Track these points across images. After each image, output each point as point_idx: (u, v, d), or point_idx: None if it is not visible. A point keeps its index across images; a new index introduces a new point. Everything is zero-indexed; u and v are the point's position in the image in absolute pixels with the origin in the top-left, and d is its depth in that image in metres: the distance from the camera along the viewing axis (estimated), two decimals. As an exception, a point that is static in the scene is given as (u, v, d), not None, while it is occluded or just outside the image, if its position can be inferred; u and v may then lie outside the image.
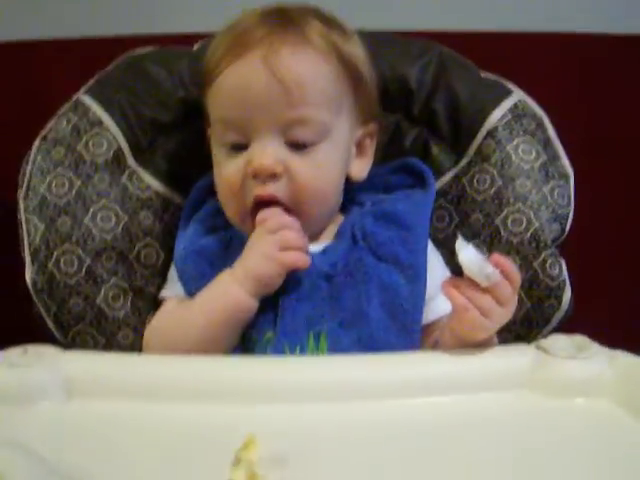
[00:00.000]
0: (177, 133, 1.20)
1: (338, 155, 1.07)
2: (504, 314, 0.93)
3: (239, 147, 1.04)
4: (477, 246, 0.94)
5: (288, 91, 1.00)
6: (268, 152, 1.02)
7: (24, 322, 1.10)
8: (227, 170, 1.06)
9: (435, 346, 1.02)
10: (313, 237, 1.08)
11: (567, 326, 1.11)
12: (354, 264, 1.05)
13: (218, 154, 1.08)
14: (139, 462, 0.78)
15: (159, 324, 1.09)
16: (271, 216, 1.02)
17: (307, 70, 1.02)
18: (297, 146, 1.03)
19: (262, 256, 1.01)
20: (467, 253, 0.90)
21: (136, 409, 0.85)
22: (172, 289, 1.11)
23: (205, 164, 1.14)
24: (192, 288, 1.07)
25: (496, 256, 0.92)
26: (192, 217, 1.14)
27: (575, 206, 1.16)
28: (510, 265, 0.92)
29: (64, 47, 1.64)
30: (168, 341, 1.05)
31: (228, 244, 1.09)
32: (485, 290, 0.91)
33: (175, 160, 1.19)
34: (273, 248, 1.01)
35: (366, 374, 0.90)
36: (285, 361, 0.96)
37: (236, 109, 1.03)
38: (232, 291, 1.02)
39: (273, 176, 1.02)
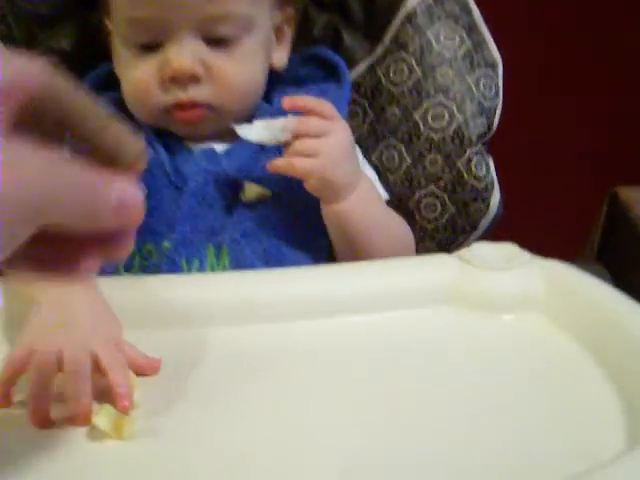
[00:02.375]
0: (60, 27, 1.06)
1: (261, 47, 0.97)
2: (330, 141, 0.90)
3: (151, 47, 0.93)
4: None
5: None
6: (186, 52, 0.91)
7: None
8: (138, 73, 0.94)
9: None
10: (222, 137, 0.98)
11: (495, 234, 1.02)
12: (262, 170, 0.95)
13: (125, 55, 0.96)
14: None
15: None
16: None
17: None
18: (217, 43, 0.93)
19: None
20: (251, 130, 0.89)
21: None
22: None
23: (95, 60, 1.03)
24: None
25: (285, 100, 0.91)
26: None
27: (504, 98, 1.05)
28: (302, 99, 0.92)
29: None
30: None
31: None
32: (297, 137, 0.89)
33: (58, 58, 1.02)
34: None
35: (272, 292, 0.80)
36: (181, 279, 0.85)
37: (147, 6, 0.91)
38: None
39: (193, 78, 0.92)
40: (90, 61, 1.03)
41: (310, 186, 0.91)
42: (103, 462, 0.60)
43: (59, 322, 0.70)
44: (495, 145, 1.05)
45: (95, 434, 0.62)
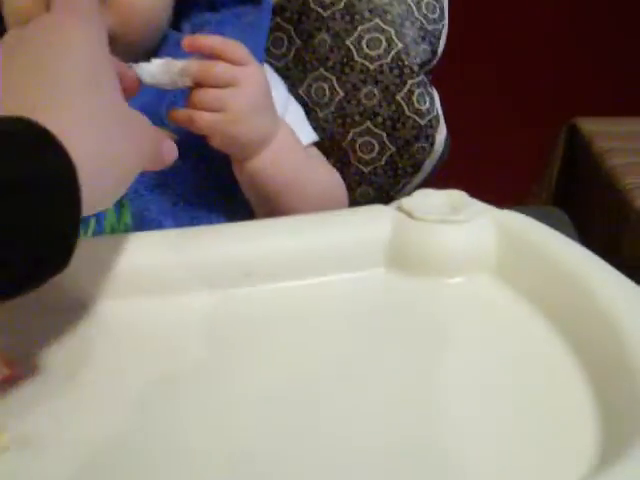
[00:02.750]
0: None
1: None
2: (238, 94, 0.78)
3: None
4: None
5: None
6: None
7: None
8: (19, 4, 0.82)
9: None
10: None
11: (440, 177, 0.92)
12: (167, 109, 0.83)
13: None
14: None
15: None
16: None
17: None
18: None
19: None
20: (148, 68, 0.76)
21: None
22: None
23: None
24: None
25: (186, 39, 0.78)
26: None
27: (450, 20, 0.95)
28: (207, 39, 0.78)
29: None
30: None
31: None
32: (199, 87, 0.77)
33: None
34: None
35: (189, 254, 0.68)
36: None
37: None
38: None
39: None
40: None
41: (214, 143, 0.80)
42: None
43: None
44: (439, 76, 0.95)
45: None
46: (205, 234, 0.71)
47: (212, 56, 0.77)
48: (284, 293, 0.66)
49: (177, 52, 0.84)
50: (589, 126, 1.33)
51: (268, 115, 0.82)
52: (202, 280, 0.67)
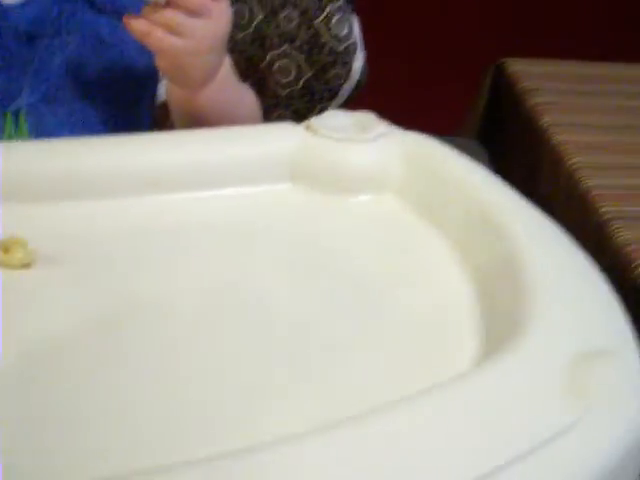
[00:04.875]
0: None
1: None
2: (206, 26, 0.76)
3: None
4: None
5: None
6: None
7: None
8: None
9: None
10: None
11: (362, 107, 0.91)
12: (64, 20, 0.83)
13: None
14: None
15: None
16: None
17: None
18: None
19: None
20: None
21: None
22: None
23: None
24: None
25: None
26: None
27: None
28: None
29: None
30: None
31: None
32: (168, 5, 0.75)
33: None
34: None
35: (86, 163, 0.67)
36: None
37: None
38: None
39: None
40: None
41: (159, 65, 0.79)
42: None
43: None
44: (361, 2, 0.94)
45: None
46: (119, 142, 0.70)
47: None
48: (191, 203, 0.66)
49: None
50: (514, 67, 1.34)
51: (220, 53, 0.81)
52: (124, 186, 0.66)
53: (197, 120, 0.81)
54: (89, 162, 0.67)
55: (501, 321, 0.53)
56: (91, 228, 0.63)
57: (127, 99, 0.84)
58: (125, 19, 0.76)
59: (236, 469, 0.40)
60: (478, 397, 0.46)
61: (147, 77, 0.84)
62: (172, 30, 0.75)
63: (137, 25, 0.75)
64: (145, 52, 0.80)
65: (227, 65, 0.84)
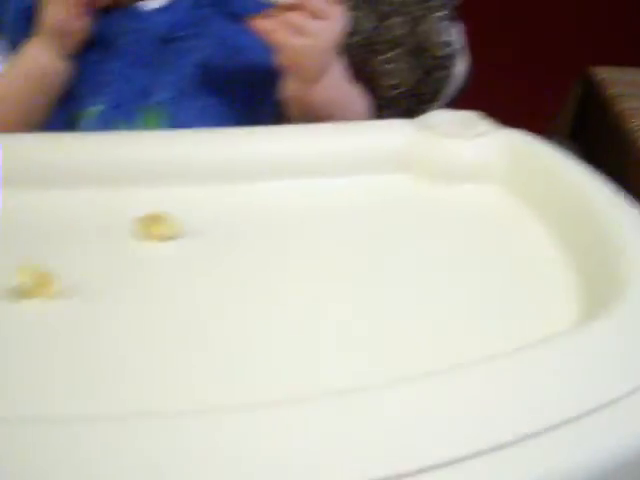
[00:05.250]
0: None
1: None
2: (327, 28, 0.83)
3: None
4: None
5: None
6: None
7: None
8: None
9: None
10: None
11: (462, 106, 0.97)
12: (199, 24, 0.91)
13: None
14: None
15: None
16: None
17: None
18: None
19: (49, 4, 0.87)
20: None
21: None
22: None
23: None
24: None
25: None
26: None
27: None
28: None
29: None
30: None
31: None
32: (293, 8, 0.82)
33: None
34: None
35: (221, 151, 0.74)
36: (106, 137, 0.79)
37: None
38: (32, 54, 0.89)
39: None
40: None
41: (283, 62, 0.86)
42: (27, 321, 0.57)
43: None
44: (465, 11, 1.00)
45: (19, 292, 0.58)
46: (250, 133, 0.78)
47: None
48: (314, 189, 0.73)
49: None
50: (603, 74, 1.40)
51: (334, 53, 0.87)
52: (254, 172, 0.73)
53: (312, 114, 0.87)
54: (226, 150, 0.74)
55: (599, 291, 0.58)
56: (231, 208, 0.70)
57: (254, 96, 0.91)
58: (251, 20, 0.83)
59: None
60: (576, 357, 0.50)
61: (271, 77, 0.90)
62: (295, 30, 0.82)
63: (264, 24, 0.82)
64: (270, 54, 0.87)
65: (340, 65, 0.90)
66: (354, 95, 0.94)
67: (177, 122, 0.88)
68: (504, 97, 1.38)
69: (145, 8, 0.91)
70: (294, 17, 0.82)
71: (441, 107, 1.00)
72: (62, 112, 0.90)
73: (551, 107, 1.49)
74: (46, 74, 0.89)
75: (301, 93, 0.87)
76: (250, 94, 0.92)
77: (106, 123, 0.88)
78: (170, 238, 0.64)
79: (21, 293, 0.57)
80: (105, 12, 0.90)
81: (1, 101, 0.90)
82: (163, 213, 0.65)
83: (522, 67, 1.68)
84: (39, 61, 0.88)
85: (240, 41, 0.90)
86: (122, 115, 0.88)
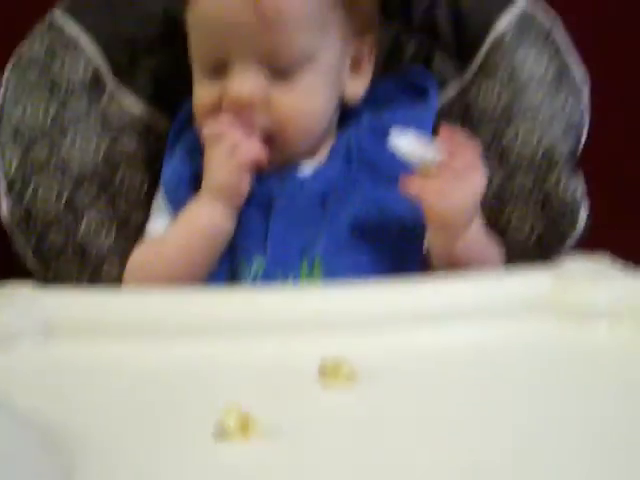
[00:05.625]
0: (159, 51, 1.12)
1: (325, 79, 1.00)
2: (468, 188, 0.92)
3: (218, 71, 0.98)
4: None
5: (264, 16, 0.94)
6: (246, 82, 0.96)
7: (4, 258, 1.06)
8: (202, 96, 1.00)
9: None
10: (306, 157, 1.03)
11: (585, 245, 1.05)
12: (349, 186, 1.00)
13: (196, 76, 1.01)
14: (123, 408, 0.71)
15: (137, 259, 1.03)
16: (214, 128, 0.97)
17: None
18: (278, 74, 0.97)
19: (217, 167, 0.97)
20: (404, 140, 0.90)
21: (120, 350, 0.78)
22: (157, 221, 1.05)
23: (190, 84, 1.05)
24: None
25: (443, 129, 0.93)
26: (180, 134, 1.07)
27: (590, 118, 1.09)
28: (460, 135, 0.93)
29: None
30: (146, 276, 1.00)
31: None
32: (438, 172, 0.90)
33: (157, 80, 1.12)
34: (224, 154, 0.96)
35: (372, 303, 0.83)
36: (281, 291, 0.89)
37: (213, 36, 0.97)
38: (200, 212, 0.98)
39: (250, 107, 0.96)
40: (183, 82, 1.07)
41: (430, 222, 0.94)
42: (229, 462, 0.62)
43: None
44: (584, 162, 1.08)
45: (221, 433, 0.64)
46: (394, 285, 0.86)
47: (457, 149, 0.91)
48: (453, 335, 0.80)
49: (355, 137, 1.03)
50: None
51: (476, 211, 0.96)
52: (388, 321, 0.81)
53: (453, 266, 0.94)
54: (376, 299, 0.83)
55: None
56: (398, 355, 0.77)
57: (401, 251, 0.99)
58: (402, 180, 0.91)
59: None
60: None
61: (417, 233, 0.99)
62: (441, 192, 0.90)
63: (412, 186, 0.91)
64: (415, 212, 0.96)
65: (479, 220, 0.98)
66: (490, 246, 1.01)
67: (332, 276, 0.96)
68: (621, 234, 1.44)
69: (300, 173, 1.01)
70: (441, 182, 0.90)
71: (564, 254, 1.05)
72: (225, 265, 0.99)
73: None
74: (213, 232, 0.97)
75: (444, 248, 0.95)
76: (398, 249, 0.99)
77: (267, 277, 0.96)
78: (349, 383, 0.71)
79: (223, 435, 0.63)
80: (263, 174, 1.00)
81: (170, 259, 0.98)
82: (342, 359, 0.72)
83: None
84: (206, 219, 0.97)
85: (388, 201, 0.99)
86: (282, 270, 0.97)
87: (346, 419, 0.68)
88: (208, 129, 0.98)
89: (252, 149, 0.96)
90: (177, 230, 1.00)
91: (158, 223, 1.05)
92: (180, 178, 1.03)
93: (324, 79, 1.00)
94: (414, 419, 0.68)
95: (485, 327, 0.81)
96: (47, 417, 0.67)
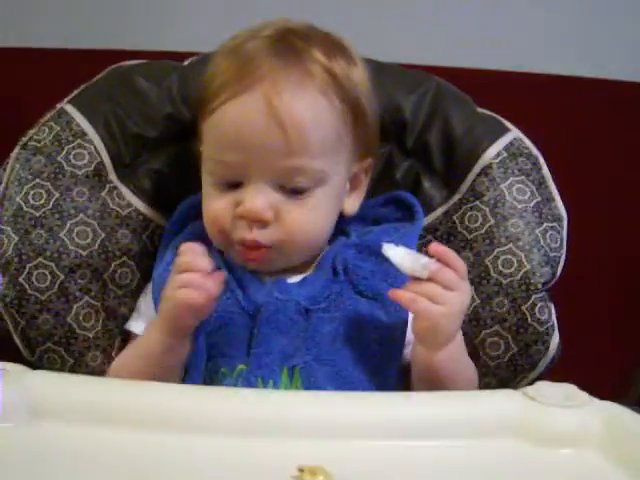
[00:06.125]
0: (162, 150, 1.17)
1: (333, 198, 1.05)
2: (456, 297, 0.96)
3: (232, 185, 1.02)
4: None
5: (288, 139, 0.97)
6: (260, 197, 0.99)
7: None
8: (216, 206, 1.03)
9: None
10: (293, 268, 1.07)
11: (554, 371, 1.08)
12: (333, 298, 1.04)
13: (208, 187, 1.04)
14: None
15: (116, 364, 1.07)
16: (183, 251, 0.98)
17: (308, 115, 0.99)
18: (291, 192, 1.00)
19: (166, 297, 0.98)
20: (397, 251, 0.95)
21: (103, 435, 0.81)
22: (138, 323, 1.09)
23: (189, 184, 1.12)
24: None
25: (434, 245, 0.97)
26: (178, 227, 1.11)
27: (568, 249, 1.14)
28: (449, 251, 0.97)
29: (52, 56, 1.65)
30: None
31: None
32: (428, 280, 0.94)
33: (158, 178, 1.16)
34: (173, 287, 0.97)
35: (346, 413, 0.87)
36: (258, 393, 0.93)
37: (232, 151, 1.00)
38: (151, 334, 1.01)
39: (261, 222, 1.00)
40: (186, 183, 1.14)
41: (418, 327, 0.97)
42: None
43: None
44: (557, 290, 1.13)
45: None
46: (372, 397, 0.91)
47: (445, 263, 0.95)
48: (429, 450, 0.84)
49: (342, 252, 1.06)
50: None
51: (460, 320, 0.99)
52: (360, 432, 0.84)
53: (432, 377, 0.98)
54: (355, 410, 0.87)
55: None
56: (373, 463, 0.81)
57: (380, 364, 1.02)
58: (390, 292, 0.96)
59: None
60: None
61: (395, 347, 1.03)
62: (434, 299, 0.94)
63: (405, 295, 0.95)
64: (394, 327, 1.01)
65: (460, 337, 1.02)
66: (468, 363, 1.05)
67: (310, 384, 0.98)
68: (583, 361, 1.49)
69: (289, 280, 1.04)
70: (431, 288, 0.94)
71: (534, 377, 1.09)
72: (208, 366, 1.01)
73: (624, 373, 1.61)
74: (163, 352, 0.99)
75: (427, 357, 0.97)
76: (377, 363, 1.02)
77: (247, 381, 0.98)
78: None
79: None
80: (247, 280, 1.04)
81: (135, 370, 1.00)
82: (319, 466, 0.76)
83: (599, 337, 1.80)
84: (158, 346, 0.99)
85: (368, 314, 1.02)
86: (264, 374, 0.99)
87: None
88: (181, 250, 0.99)
89: (193, 296, 0.96)
90: (137, 347, 1.05)
91: (135, 326, 1.10)
92: (159, 281, 1.05)
93: (331, 197, 1.04)
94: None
95: (453, 444, 0.85)
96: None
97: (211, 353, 1.02)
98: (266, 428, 0.82)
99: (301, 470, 0.75)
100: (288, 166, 0.99)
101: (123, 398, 0.86)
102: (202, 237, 1.05)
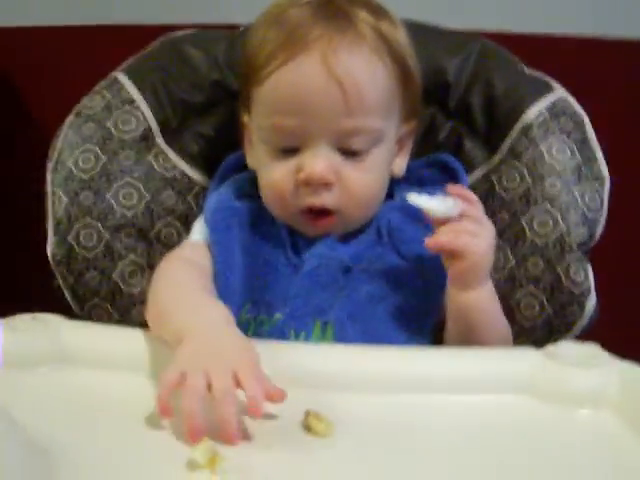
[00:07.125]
0: (207, 115, 1.20)
1: (387, 158, 1.07)
2: (488, 231, 0.98)
3: (288, 151, 1.03)
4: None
5: (347, 98, 0.98)
6: (321, 160, 1.00)
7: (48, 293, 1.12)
8: (275, 174, 1.04)
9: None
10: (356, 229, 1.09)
11: (589, 334, 1.07)
12: (374, 259, 1.05)
13: (265, 156, 1.05)
14: (123, 434, 0.79)
15: (157, 284, 1.03)
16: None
17: (366, 75, 1.00)
18: (350, 153, 1.02)
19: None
20: (424, 199, 0.96)
21: (128, 382, 0.86)
22: (194, 235, 1.12)
23: (233, 148, 1.15)
24: (217, 238, 1.08)
25: (451, 185, 0.99)
26: (225, 179, 1.14)
27: (610, 213, 1.12)
28: (467, 190, 1.01)
29: (112, 32, 1.75)
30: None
31: (258, 214, 1.09)
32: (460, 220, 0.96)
33: (203, 142, 1.20)
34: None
35: (364, 366, 0.89)
36: (285, 346, 0.95)
37: (291, 115, 1.00)
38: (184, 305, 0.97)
39: (326, 185, 1.01)
40: (231, 146, 1.17)
41: (459, 265, 0.97)
42: None
43: (207, 351, 0.81)
44: (597, 253, 1.12)
45: (191, 465, 0.71)
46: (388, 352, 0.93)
47: (467, 203, 0.97)
48: (449, 404, 0.86)
49: (386, 215, 1.08)
50: None
51: (492, 257, 1.00)
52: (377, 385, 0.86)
53: (466, 321, 0.99)
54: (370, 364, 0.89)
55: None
56: (376, 416, 0.83)
57: (413, 328, 1.03)
58: (428, 241, 0.96)
59: None
60: None
61: (430, 308, 1.04)
62: (472, 231, 0.96)
63: (443, 237, 0.96)
64: (431, 293, 1.03)
65: (491, 285, 1.01)
66: (501, 316, 1.04)
67: (343, 340, 1.00)
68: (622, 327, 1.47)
69: (335, 239, 1.06)
70: (466, 224, 0.96)
71: (570, 339, 1.08)
72: (247, 308, 1.04)
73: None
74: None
75: (461, 300, 0.98)
76: (411, 325, 1.04)
77: (281, 330, 1.01)
78: (325, 435, 0.78)
79: (192, 466, 0.71)
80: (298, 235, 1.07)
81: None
82: (322, 414, 0.79)
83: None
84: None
85: (407, 277, 1.04)
86: (298, 326, 1.01)
87: (312, 466, 0.75)
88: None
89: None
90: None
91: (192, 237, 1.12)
92: (224, 207, 1.10)
93: (386, 157, 1.06)
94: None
95: (468, 399, 0.86)
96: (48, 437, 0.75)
97: (253, 297, 1.05)
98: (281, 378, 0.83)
99: (307, 414, 0.79)
100: (347, 126, 1.00)
101: (153, 348, 0.91)
102: (242, 191, 1.10)
